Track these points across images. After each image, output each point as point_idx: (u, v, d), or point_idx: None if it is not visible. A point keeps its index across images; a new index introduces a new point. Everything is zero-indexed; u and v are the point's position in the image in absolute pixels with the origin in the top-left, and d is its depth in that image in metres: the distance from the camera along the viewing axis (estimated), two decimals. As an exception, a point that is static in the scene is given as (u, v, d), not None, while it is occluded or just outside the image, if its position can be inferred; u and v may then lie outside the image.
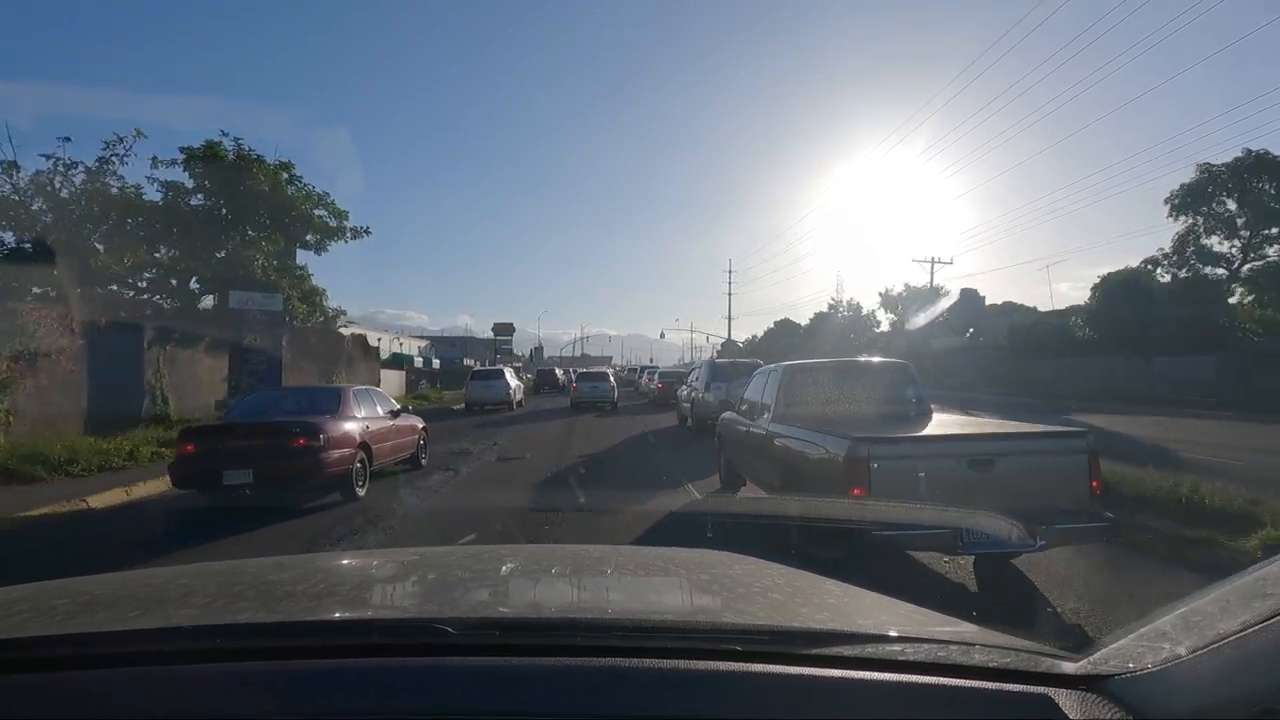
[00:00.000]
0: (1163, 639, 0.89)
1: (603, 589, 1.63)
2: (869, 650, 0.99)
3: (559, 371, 49.64)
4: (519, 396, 27.35)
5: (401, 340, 51.90)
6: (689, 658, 0.95)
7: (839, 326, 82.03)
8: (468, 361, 66.80)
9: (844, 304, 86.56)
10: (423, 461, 10.76)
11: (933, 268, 36.74)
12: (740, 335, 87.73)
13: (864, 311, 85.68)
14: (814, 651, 0.98)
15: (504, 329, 70.49)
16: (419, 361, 51.80)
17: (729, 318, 75.46)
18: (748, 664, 0.95)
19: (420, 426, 10.88)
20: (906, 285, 57.80)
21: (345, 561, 2.09)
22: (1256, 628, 0.78)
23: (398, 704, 0.89)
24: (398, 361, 49.59)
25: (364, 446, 8.37)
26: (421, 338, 62.49)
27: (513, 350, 73.04)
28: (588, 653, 0.96)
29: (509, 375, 26.75)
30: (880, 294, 59.42)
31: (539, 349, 76.54)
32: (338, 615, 1.30)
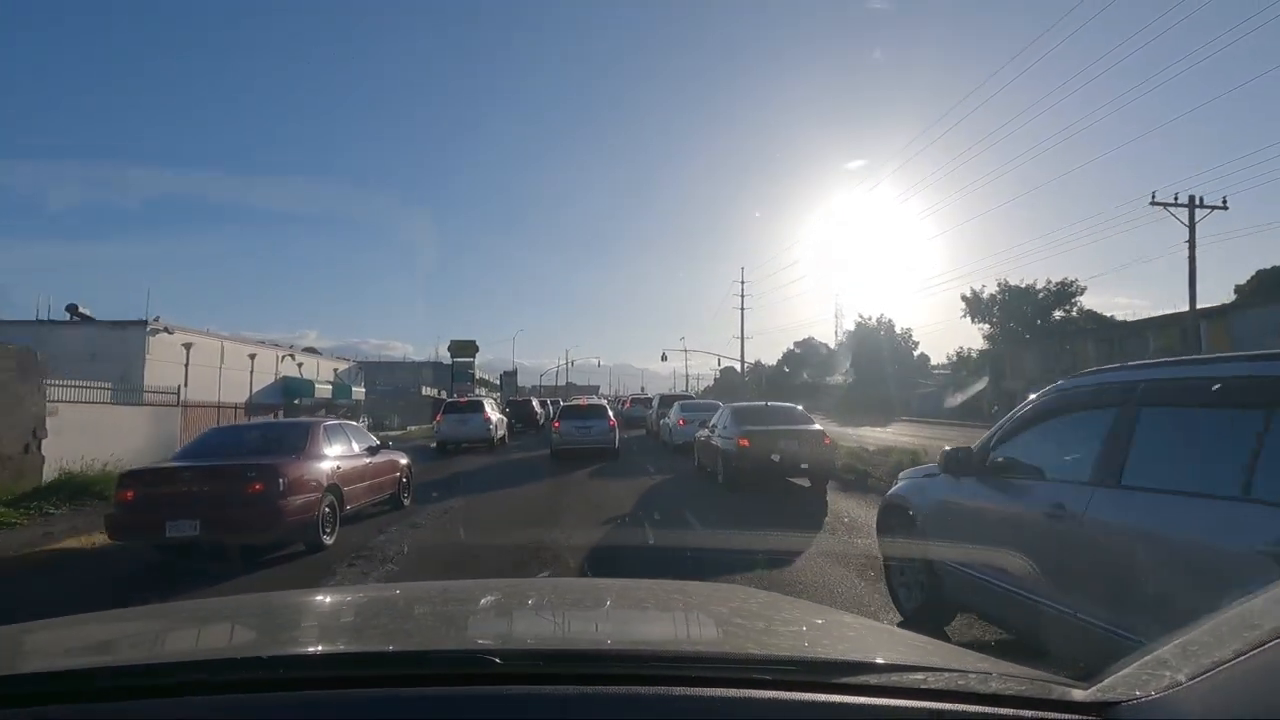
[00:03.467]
0: (1163, 667, 0.92)
1: (634, 620, 1.67)
2: (893, 679, 1.03)
3: (536, 403, 34.21)
4: (501, 433, 22.55)
5: (297, 358, 35.58)
6: (724, 686, 0.98)
7: (880, 346, 67.71)
8: (427, 392, 51.11)
9: (875, 320, 72.67)
10: (405, 502, 9.71)
11: (1192, 214, 21.09)
12: (730, 361, 72.68)
13: (898, 329, 72.08)
14: (841, 680, 1.01)
15: (464, 349, 54.54)
16: (323, 391, 35.40)
17: (741, 338, 58.99)
18: (779, 692, 0.98)
19: (404, 464, 9.88)
20: (1003, 284, 42.71)
21: (377, 594, 2.20)
22: (1247, 655, 0.82)
23: None
24: (296, 392, 33.62)
25: (333, 489, 7.46)
26: (343, 359, 46.04)
27: (474, 375, 56.94)
28: (630, 681, 0.99)
29: (489, 409, 22.20)
30: (965, 297, 44.18)
31: (511, 374, 60.39)
32: (389, 647, 1.32)
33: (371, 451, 8.80)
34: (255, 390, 31.43)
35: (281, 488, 6.56)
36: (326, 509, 7.20)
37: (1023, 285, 42.18)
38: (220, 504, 6.37)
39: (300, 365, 35.88)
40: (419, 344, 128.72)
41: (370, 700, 0.97)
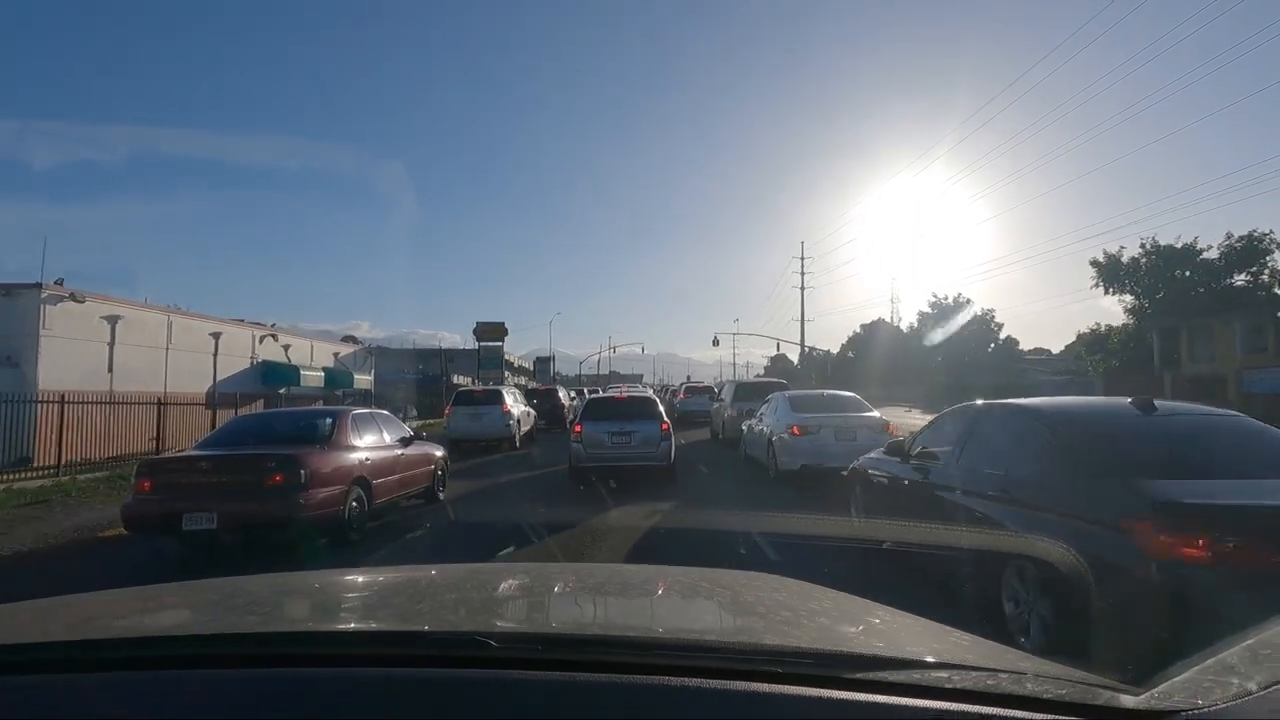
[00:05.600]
0: (1230, 673, 0.86)
1: (646, 607, 1.59)
2: (914, 676, 0.95)
3: (564, 394, 27.37)
4: (525, 429, 18.16)
5: (280, 338, 29.36)
6: (730, 678, 0.93)
7: (964, 329, 59.92)
8: (459, 380, 45.19)
9: (950, 300, 64.77)
10: (440, 495, 9.39)
11: None
12: (773, 348, 64.52)
13: (977, 310, 64.01)
14: (857, 676, 0.95)
15: (491, 331, 48.44)
16: (313, 379, 29.31)
17: (801, 320, 51.63)
18: (788, 686, 0.92)
19: (438, 455, 9.59)
20: (1149, 244, 33.87)
21: (390, 575, 2.09)
22: None
23: (439, 713, 0.90)
24: (278, 379, 27.67)
25: (361, 482, 7.13)
26: (347, 342, 39.92)
27: (506, 360, 50.65)
28: (630, 669, 0.95)
29: (509, 399, 17.42)
30: (1098, 263, 35.40)
31: (545, 360, 53.94)
32: (384, 626, 1.32)
33: (404, 443, 8.48)
34: (223, 377, 25.42)
35: (303, 479, 6.26)
36: (353, 503, 6.88)
37: (1178, 245, 33.36)
38: (238, 496, 6.13)
39: (287, 347, 29.76)
40: (468, 333, 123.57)
41: (363, 678, 0.95)
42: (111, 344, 20.24)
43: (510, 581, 1.73)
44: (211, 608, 1.48)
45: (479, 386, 20.86)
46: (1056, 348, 69.10)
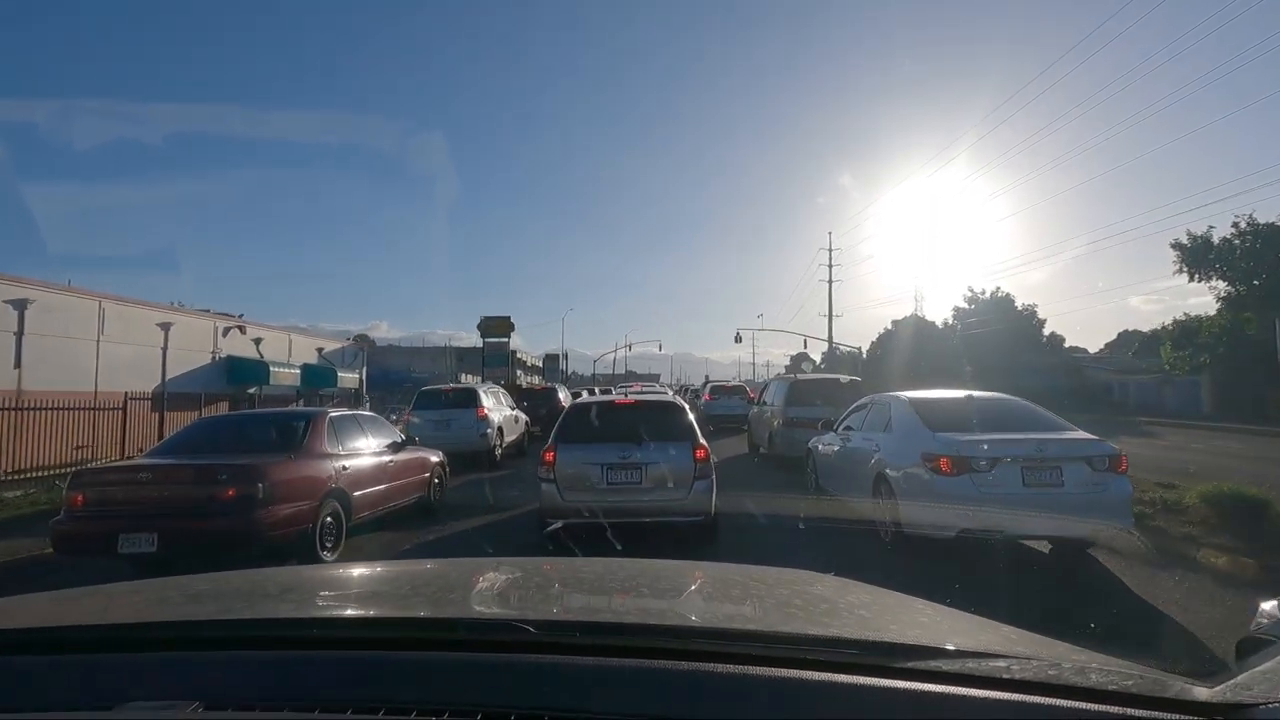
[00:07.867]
0: None
1: (683, 598, 1.58)
2: (970, 665, 0.91)
3: (566, 395, 23.54)
4: (509, 438, 15.36)
5: (248, 331, 25.69)
6: (771, 665, 0.91)
7: (1009, 325, 55.88)
8: (468, 380, 41.52)
9: (987, 294, 60.58)
10: (435, 505, 8.59)
11: None
12: (793, 347, 60.18)
13: (1018, 305, 59.84)
14: (908, 665, 0.91)
15: (496, 327, 44.47)
16: (286, 376, 25.69)
17: (830, 316, 47.41)
18: (835, 674, 0.89)
19: (434, 462, 8.75)
20: (1248, 222, 29.35)
21: (418, 566, 2.15)
22: None
23: (480, 696, 0.90)
24: (246, 376, 24.11)
25: (338, 495, 6.36)
26: (333, 338, 36.21)
27: (512, 358, 46.90)
28: (669, 656, 0.94)
29: (488, 401, 14.67)
30: (1179, 245, 30.91)
31: (554, 356, 50.05)
32: (425, 613, 1.33)
33: (394, 448, 7.73)
34: (176, 374, 21.84)
35: (262, 494, 5.54)
36: (327, 518, 6.19)
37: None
38: (183, 513, 5.44)
39: (258, 341, 26.17)
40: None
41: (406, 662, 0.96)
42: (19, 333, 16.73)
43: (540, 573, 1.75)
44: (245, 596, 1.48)
45: (448, 385, 17.24)
46: (1091, 346, 64.82)
